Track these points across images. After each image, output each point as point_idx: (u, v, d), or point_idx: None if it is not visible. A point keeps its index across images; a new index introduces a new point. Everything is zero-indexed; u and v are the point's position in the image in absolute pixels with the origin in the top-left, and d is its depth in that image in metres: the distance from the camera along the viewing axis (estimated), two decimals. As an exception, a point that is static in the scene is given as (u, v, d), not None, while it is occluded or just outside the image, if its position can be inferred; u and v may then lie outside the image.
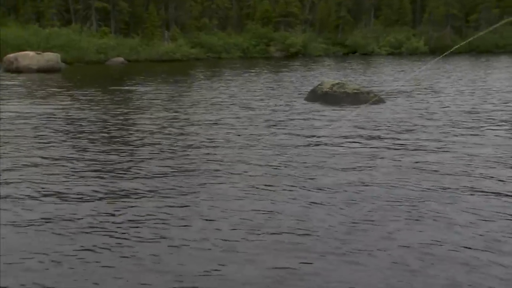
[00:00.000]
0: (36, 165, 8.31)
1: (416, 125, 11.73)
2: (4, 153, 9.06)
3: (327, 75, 27.62)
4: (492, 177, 7.32)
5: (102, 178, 7.49)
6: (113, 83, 24.75)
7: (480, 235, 5.24)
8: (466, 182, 7.05)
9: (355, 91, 15.72)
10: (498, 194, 6.52)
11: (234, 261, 4.72)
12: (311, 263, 4.64)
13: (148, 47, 45.77)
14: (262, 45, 53.50)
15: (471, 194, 6.54)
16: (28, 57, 30.23)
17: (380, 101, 15.51)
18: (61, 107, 15.67)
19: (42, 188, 6.97)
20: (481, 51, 53.73)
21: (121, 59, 41.60)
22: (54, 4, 48.41)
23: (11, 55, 30.77)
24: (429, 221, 5.66)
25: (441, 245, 4.99)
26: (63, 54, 35.28)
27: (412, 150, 9.15)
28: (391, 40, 56.21)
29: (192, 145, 9.84)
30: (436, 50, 54.00)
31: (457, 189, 6.76)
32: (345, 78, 23.60)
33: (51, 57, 31.36)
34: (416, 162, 8.22)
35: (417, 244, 5.01)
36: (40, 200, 6.49)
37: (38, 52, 31.73)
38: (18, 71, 29.17)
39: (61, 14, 49.03)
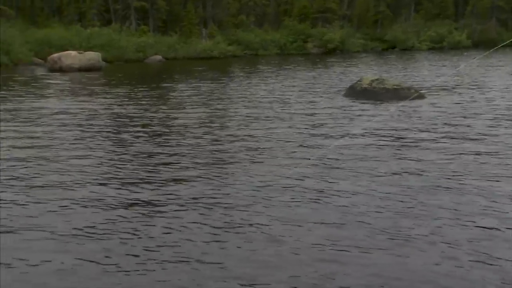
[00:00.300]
0: (83, 157, 8.65)
1: (458, 120, 11.54)
2: (53, 146, 9.44)
3: (366, 71, 27.25)
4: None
5: (147, 168, 7.69)
6: (153, 80, 25.06)
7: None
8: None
9: (395, 87, 15.52)
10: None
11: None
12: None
13: (186, 45, 46.03)
14: (299, 42, 53.10)
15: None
16: (71, 57, 30.76)
17: (421, 97, 15.20)
18: (104, 103, 16.13)
19: (92, 177, 7.23)
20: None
21: (159, 57, 41.99)
22: (95, 4, 49.30)
23: (55, 55, 31.35)
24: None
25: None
26: (103, 53, 35.69)
27: (455, 144, 9.01)
28: (432, 35, 54.70)
29: (233, 140, 9.94)
30: (479, 44, 52.57)
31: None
32: (385, 74, 23.21)
33: (92, 56, 31.84)
34: (460, 157, 8.11)
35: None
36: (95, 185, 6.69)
37: (80, 51, 32.25)
38: (61, 70, 29.74)
39: (101, 14, 49.86)
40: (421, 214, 5.71)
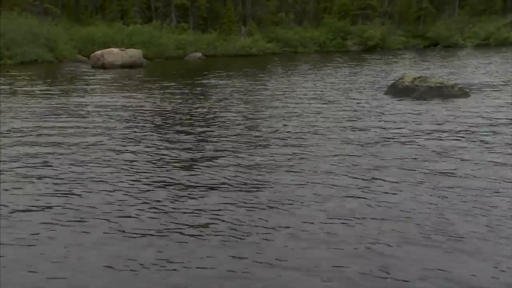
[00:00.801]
0: (129, 152, 8.81)
1: (505, 120, 11.16)
2: (100, 142, 9.63)
3: (408, 68, 26.75)
4: None
5: (191, 163, 7.76)
6: (193, 76, 25.26)
7: None
8: None
9: (438, 84, 15.13)
10: None
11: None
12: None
13: (225, 42, 46.31)
14: (339, 39, 52.61)
15: None
16: (113, 54, 31.26)
17: (465, 94, 14.86)
18: (146, 99, 16.39)
19: (137, 172, 7.33)
20: None
21: (199, 54, 42.37)
22: (137, 2, 50.11)
23: (98, 52, 31.88)
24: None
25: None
26: (144, 50, 36.20)
27: (501, 145, 8.76)
28: (478, 31, 53.26)
29: (275, 136, 9.92)
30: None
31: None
32: (427, 72, 22.73)
33: (134, 53, 32.29)
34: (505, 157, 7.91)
35: None
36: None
37: (122, 48, 32.78)
38: (104, 67, 30.24)
39: (143, 11, 50.63)
40: (473, 212, 5.60)
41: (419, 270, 4.36)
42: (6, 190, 6.67)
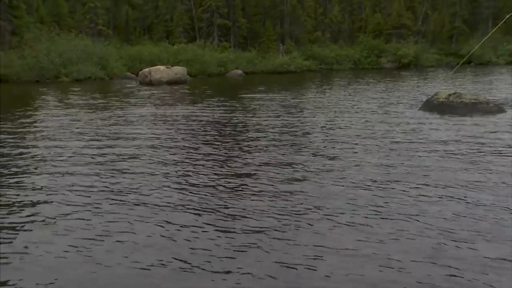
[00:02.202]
0: (173, 153, 9.14)
1: None
2: (151, 145, 10.05)
3: (441, 85, 26.35)
4: None
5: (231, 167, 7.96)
6: (234, 91, 25.62)
7: None
8: None
9: (473, 100, 14.82)
10: None
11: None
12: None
13: (264, 60, 46.68)
14: (373, 57, 52.40)
15: None
16: (160, 71, 31.95)
17: (500, 110, 14.51)
18: (192, 111, 16.95)
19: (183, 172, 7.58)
20: None
21: (239, 71, 42.76)
22: (181, 23, 51.06)
23: (146, 69, 32.69)
24: None
25: None
26: (188, 67, 36.88)
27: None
28: (511, 49, 52.09)
29: (312, 148, 9.98)
30: None
31: None
32: (461, 88, 22.33)
33: (178, 71, 32.90)
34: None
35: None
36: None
37: (168, 66, 33.47)
38: (151, 83, 30.92)
39: (187, 32, 51.53)
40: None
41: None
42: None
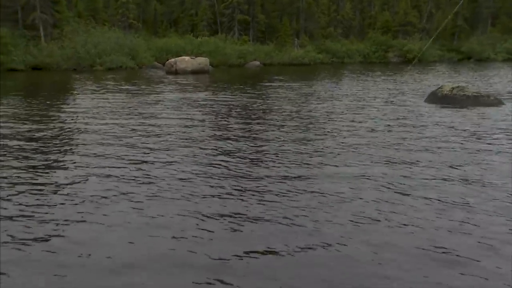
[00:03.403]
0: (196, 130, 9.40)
1: None
2: (180, 124, 10.33)
3: (444, 79, 26.12)
4: None
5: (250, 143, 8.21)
6: (253, 80, 25.80)
7: None
8: None
9: (475, 94, 14.80)
10: None
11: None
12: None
13: (281, 53, 46.52)
14: (381, 51, 51.92)
15: None
16: (185, 61, 32.06)
17: (500, 103, 14.49)
18: (215, 96, 17.48)
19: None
20: None
21: (257, 62, 42.80)
22: (205, 17, 50.98)
23: (172, 60, 32.81)
24: None
25: None
26: (210, 58, 36.84)
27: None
28: (508, 47, 51.26)
29: (329, 130, 10.25)
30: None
31: None
32: (463, 82, 22.12)
33: (202, 61, 33.01)
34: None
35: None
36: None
37: (192, 57, 33.55)
38: (176, 72, 31.06)
39: (210, 26, 51.39)
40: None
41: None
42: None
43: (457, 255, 4.29)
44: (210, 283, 3.84)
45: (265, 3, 51.64)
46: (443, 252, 4.35)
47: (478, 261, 4.20)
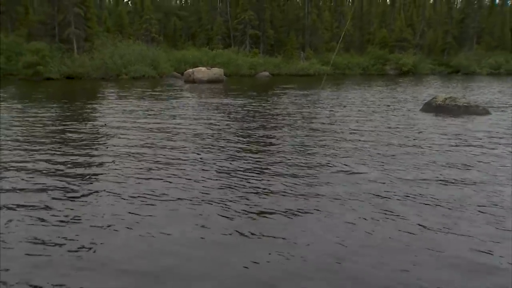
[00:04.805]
0: (218, 126, 9.63)
1: None
2: (198, 123, 10.58)
3: (437, 90, 26.02)
4: None
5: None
6: (263, 89, 26.03)
7: None
8: None
9: (465, 104, 14.82)
10: None
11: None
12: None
13: (288, 64, 46.65)
14: (379, 64, 51.79)
15: None
16: (201, 71, 32.27)
17: (487, 112, 14.57)
18: (229, 101, 17.88)
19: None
20: None
21: (266, 73, 42.84)
22: (220, 32, 51.32)
23: (189, 70, 33.05)
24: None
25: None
26: (224, 69, 37.02)
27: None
28: (491, 62, 51.29)
29: (330, 134, 10.39)
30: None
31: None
32: (453, 93, 22.05)
33: (217, 71, 33.16)
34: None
35: None
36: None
37: (208, 67, 33.76)
38: (193, 81, 31.25)
39: (224, 39, 51.69)
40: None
41: None
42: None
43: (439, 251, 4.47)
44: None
45: (274, 20, 51.83)
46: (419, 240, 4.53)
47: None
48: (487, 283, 3.73)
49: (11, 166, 7.21)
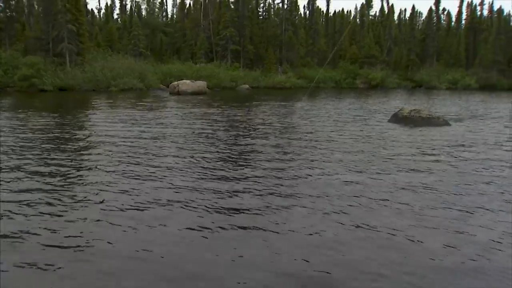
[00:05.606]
0: (201, 132, 9.85)
1: (477, 140, 11.81)
2: (182, 132, 10.78)
3: (403, 102, 26.62)
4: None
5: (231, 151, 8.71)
6: (243, 100, 26.30)
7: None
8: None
9: (428, 116, 15.40)
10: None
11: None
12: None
13: (266, 78, 46.99)
14: (350, 79, 52.72)
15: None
16: (186, 84, 32.16)
17: (447, 124, 15.19)
18: (212, 111, 18.03)
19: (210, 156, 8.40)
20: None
21: (246, 86, 42.89)
22: (203, 47, 51.41)
23: (175, 83, 32.86)
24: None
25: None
26: (207, 81, 36.91)
27: (473, 157, 9.35)
28: (449, 78, 53.28)
29: (295, 144, 10.71)
30: (485, 87, 50.89)
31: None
32: (417, 105, 22.69)
33: (200, 84, 33.09)
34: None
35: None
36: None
37: (192, 80, 33.78)
38: (178, 93, 31.08)
39: (207, 54, 51.65)
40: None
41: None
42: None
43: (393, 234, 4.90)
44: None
45: (253, 36, 52.30)
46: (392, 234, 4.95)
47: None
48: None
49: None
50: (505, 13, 62.48)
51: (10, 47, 38.10)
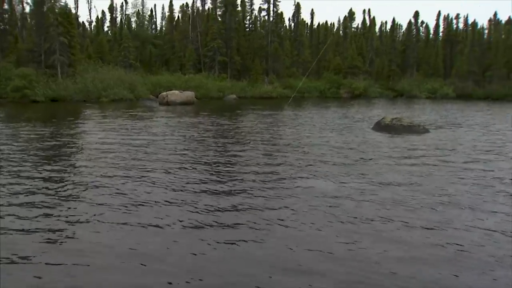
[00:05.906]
0: (187, 141, 9.93)
1: (455, 146, 12.11)
2: (170, 139, 10.87)
3: (385, 111, 26.96)
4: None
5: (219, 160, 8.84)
6: (231, 110, 26.48)
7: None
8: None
9: (409, 124, 15.73)
10: None
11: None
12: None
13: (253, 88, 47.23)
14: (334, 88, 53.22)
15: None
16: (174, 94, 32.18)
17: (427, 131, 15.56)
18: (199, 120, 18.18)
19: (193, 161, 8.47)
20: (496, 98, 49.93)
21: (234, 96, 43.10)
22: (191, 58, 51.59)
23: (164, 93, 32.87)
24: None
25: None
26: (196, 92, 36.91)
27: (451, 161, 9.67)
28: (428, 87, 54.35)
29: (281, 151, 10.88)
30: (461, 96, 52.02)
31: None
32: (399, 114, 23.08)
33: (188, 94, 33.15)
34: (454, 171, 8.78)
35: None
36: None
37: (181, 91, 33.80)
38: (167, 104, 31.05)
39: (195, 65, 51.80)
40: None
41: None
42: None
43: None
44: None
45: (240, 48, 52.68)
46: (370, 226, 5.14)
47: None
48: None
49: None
50: (478, 26, 64.33)
51: (3, 59, 37.89)
